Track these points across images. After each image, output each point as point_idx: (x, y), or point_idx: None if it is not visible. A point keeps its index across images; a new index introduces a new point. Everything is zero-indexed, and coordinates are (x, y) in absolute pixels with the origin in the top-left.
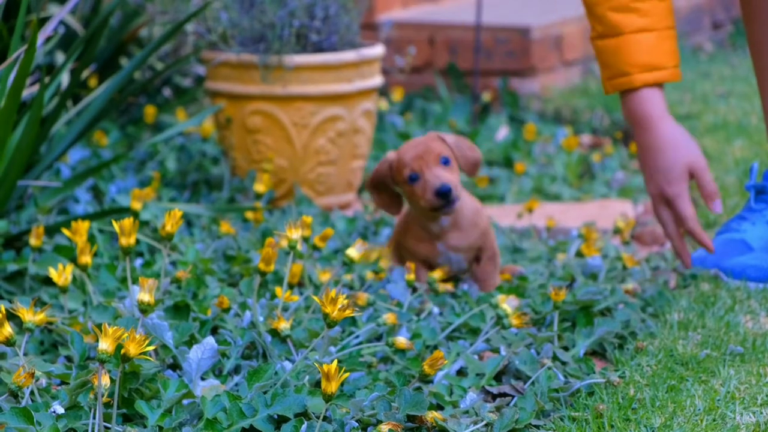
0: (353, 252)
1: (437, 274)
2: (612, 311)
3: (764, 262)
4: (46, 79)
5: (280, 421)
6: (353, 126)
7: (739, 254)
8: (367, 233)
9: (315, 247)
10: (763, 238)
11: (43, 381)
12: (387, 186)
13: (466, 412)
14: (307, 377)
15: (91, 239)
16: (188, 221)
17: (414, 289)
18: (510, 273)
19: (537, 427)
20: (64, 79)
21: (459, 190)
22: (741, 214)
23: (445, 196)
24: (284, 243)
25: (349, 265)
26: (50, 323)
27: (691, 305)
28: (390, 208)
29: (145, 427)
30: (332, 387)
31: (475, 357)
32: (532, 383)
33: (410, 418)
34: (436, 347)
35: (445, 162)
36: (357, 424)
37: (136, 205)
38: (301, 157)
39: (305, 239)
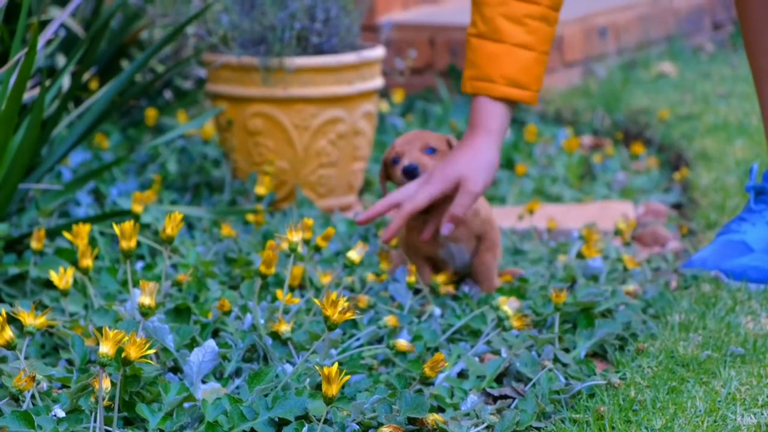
0: (354, 254)
1: (441, 278)
2: (613, 313)
3: (765, 263)
4: (47, 82)
5: (281, 424)
6: (354, 128)
7: (739, 255)
8: (368, 235)
9: (316, 249)
10: (764, 239)
11: (44, 384)
12: (388, 174)
13: (467, 414)
14: (308, 380)
15: (92, 242)
16: (189, 224)
17: (416, 291)
18: (511, 275)
19: (538, 429)
20: (65, 81)
21: (431, 168)
22: (741, 216)
23: (410, 174)
24: (285, 245)
25: (350, 267)
26: (51, 326)
27: (692, 306)
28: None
29: (146, 430)
30: (333, 390)
31: (476, 359)
32: (533, 385)
33: (411, 421)
34: (437, 349)
35: (430, 151)
36: (358, 426)
37: (137, 208)
38: (302, 159)
39: (306, 241)
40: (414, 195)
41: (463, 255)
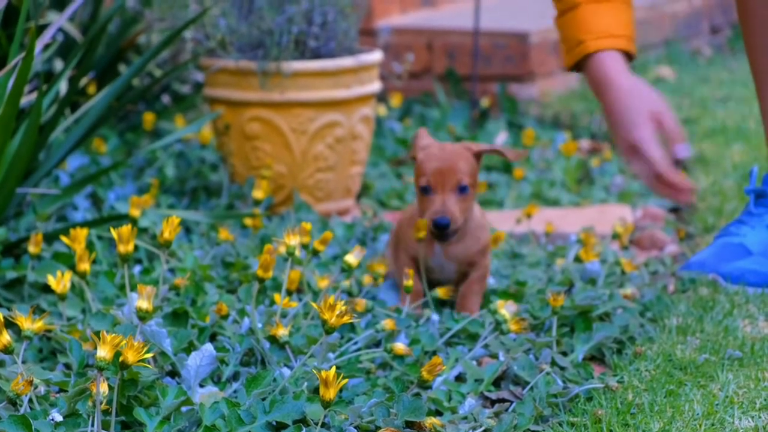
0: (352, 258)
1: (442, 291)
2: (610, 316)
3: (763, 267)
4: (45, 86)
5: (278, 427)
6: (351, 132)
7: (737, 258)
8: (365, 239)
9: (314, 252)
10: (762, 242)
11: (42, 388)
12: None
13: (465, 417)
14: (306, 384)
15: (90, 246)
16: (187, 228)
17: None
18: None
19: None
20: (63, 86)
21: (459, 222)
22: (740, 218)
23: (441, 228)
24: (283, 249)
25: (347, 271)
26: (49, 331)
27: (689, 310)
28: None
29: None
30: (331, 393)
31: (474, 362)
32: (531, 388)
33: (409, 424)
34: (434, 353)
35: (462, 190)
36: (355, 430)
37: (135, 212)
38: (300, 164)
39: (304, 246)
40: (651, 154)
41: (451, 273)
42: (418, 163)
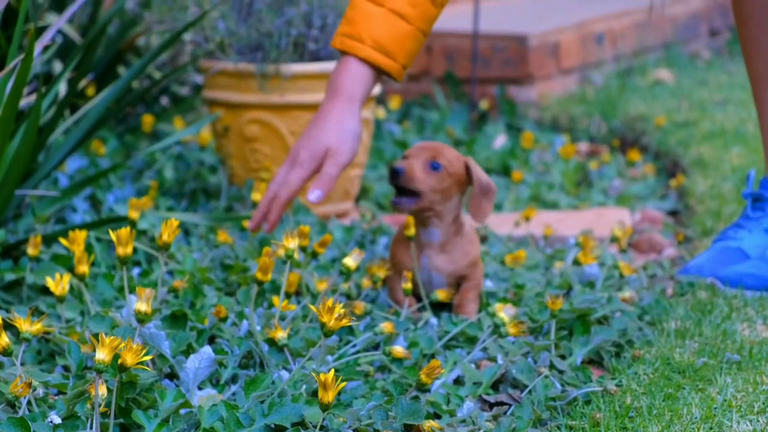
0: (350, 261)
1: (442, 295)
2: (609, 319)
3: (761, 271)
4: (44, 88)
5: (277, 430)
6: None
7: (735, 263)
8: (364, 242)
9: (314, 255)
10: (760, 246)
11: (41, 391)
12: None
13: (463, 421)
14: (304, 386)
15: (89, 248)
16: (186, 230)
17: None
18: None
19: None
20: (62, 88)
21: (417, 183)
22: (738, 222)
23: (393, 175)
24: (281, 252)
25: (346, 274)
26: (47, 333)
27: (688, 313)
28: None
29: None
30: (329, 396)
31: (472, 366)
32: (529, 392)
33: (407, 427)
34: (433, 356)
35: (434, 167)
36: None
37: (134, 215)
38: None
39: (303, 248)
40: (286, 180)
41: (441, 285)
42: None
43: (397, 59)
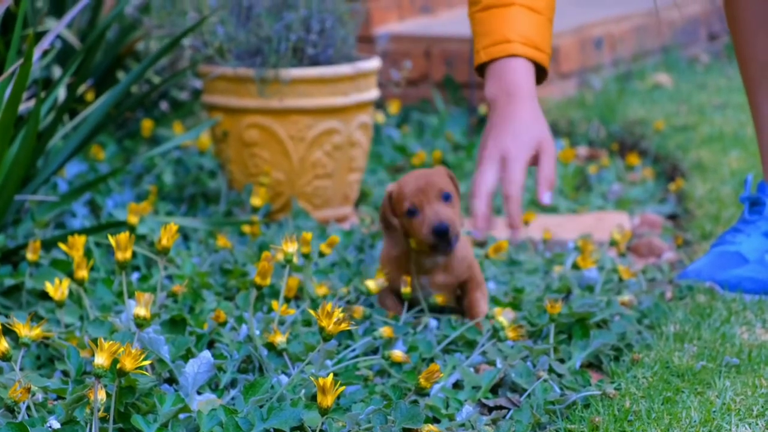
0: (372, 284)
1: (441, 298)
2: (608, 323)
3: (759, 274)
4: (43, 93)
5: None
6: (350, 139)
7: (734, 266)
8: (363, 246)
9: (320, 255)
10: (758, 250)
11: (40, 396)
12: (391, 221)
13: (463, 425)
14: (304, 391)
15: (88, 253)
16: (185, 235)
17: (410, 305)
18: None
19: None
20: (61, 93)
21: (458, 228)
22: (736, 226)
23: (442, 235)
24: (280, 256)
25: (366, 295)
26: (47, 338)
27: (687, 317)
28: (402, 245)
29: None
30: (328, 400)
31: (471, 370)
32: (528, 396)
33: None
34: (432, 360)
35: (446, 197)
36: None
37: (133, 219)
38: (298, 171)
39: (305, 255)
40: (510, 179)
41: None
42: (395, 194)
43: (543, 49)
